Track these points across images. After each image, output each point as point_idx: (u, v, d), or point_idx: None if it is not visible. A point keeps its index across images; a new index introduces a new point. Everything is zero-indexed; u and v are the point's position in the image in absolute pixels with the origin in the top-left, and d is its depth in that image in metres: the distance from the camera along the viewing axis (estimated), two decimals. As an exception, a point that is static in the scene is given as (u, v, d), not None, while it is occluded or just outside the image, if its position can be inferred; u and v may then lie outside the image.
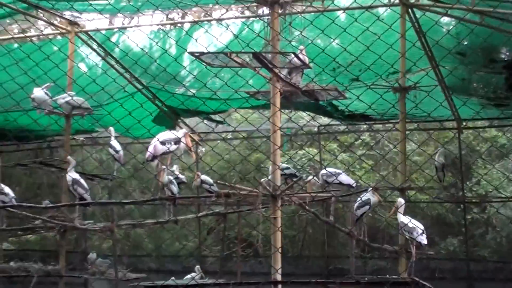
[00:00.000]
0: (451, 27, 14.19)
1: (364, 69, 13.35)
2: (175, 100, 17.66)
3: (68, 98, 14.64)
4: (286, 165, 14.62)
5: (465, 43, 14.29)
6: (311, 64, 12.65)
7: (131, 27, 16.65)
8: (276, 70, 10.60)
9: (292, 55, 10.87)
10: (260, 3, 11.10)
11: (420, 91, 13.93)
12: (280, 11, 11.03)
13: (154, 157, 12.17)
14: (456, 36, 13.96)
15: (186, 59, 15.93)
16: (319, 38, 14.13)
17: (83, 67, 17.31)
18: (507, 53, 14.50)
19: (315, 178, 13.56)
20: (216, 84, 15.50)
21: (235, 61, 10.44)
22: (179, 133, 12.41)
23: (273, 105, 10.68)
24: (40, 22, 17.39)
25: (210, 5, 15.40)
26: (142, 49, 14.84)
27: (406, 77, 14.17)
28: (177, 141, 12.04)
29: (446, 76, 14.82)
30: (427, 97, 13.92)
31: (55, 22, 16.12)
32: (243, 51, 10.80)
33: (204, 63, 10.98)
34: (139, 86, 17.65)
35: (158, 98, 18.22)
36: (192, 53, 11.68)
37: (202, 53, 10.82)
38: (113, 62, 17.04)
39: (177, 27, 16.54)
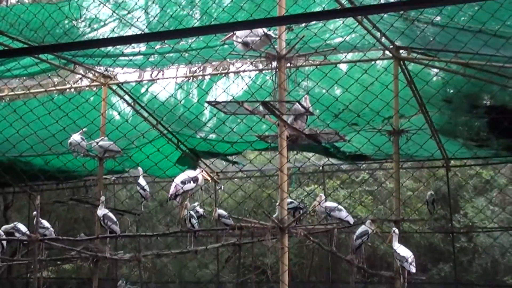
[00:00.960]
0: (439, 77, 14.28)
1: (361, 115, 13.41)
2: (195, 142, 17.75)
3: (101, 142, 14.75)
4: (290, 200, 14.60)
5: (451, 91, 14.36)
6: (316, 110, 12.70)
7: (158, 79, 16.78)
8: (283, 117, 10.64)
9: (297, 103, 10.90)
10: (268, 58, 11.12)
11: (412, 134, 13.96)
12: (287, 64, 11.08)
13: (175, 196, 12.21)
14: (442, 85, 14.04)
15: (207, 107, 16.05)
16: (323, 87, 14.22)
17: (115, 113, 17.47)
18: (488, 100, 14.54)
19: (321, 197, 13.64)
20: (233, 128, 15.56)
21: (246, 109, 10.49)
22: (196, 171, 12.46)
23: (280, 147, 10.70)
24: (76, 76, 17.59)
25: (228, 60, 15.52)
26: (163, 103, 14.98)
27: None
28: (195, 180, 12.09)
29: (432, 116, 14.86)
30: (418, 139, 14.01)
31: (90, 75, 16.29)
32: (253, 100, 10.86)
33: (220, 111, 11.06)
34: (165, 131, 17.74)
35: (181, 141, 18.29)
36: (209, 102, 11.78)
37: (218, 102, 10.88)
38: (142, 111, 17.14)
39: (198, 78, 16.68)
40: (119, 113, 17.20)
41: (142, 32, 13.18)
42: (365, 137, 13.75)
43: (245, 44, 10.47)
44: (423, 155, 16.30)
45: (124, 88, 16.69)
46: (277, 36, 10.44)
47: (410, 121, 13.97)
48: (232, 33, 10.40)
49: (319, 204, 13.56)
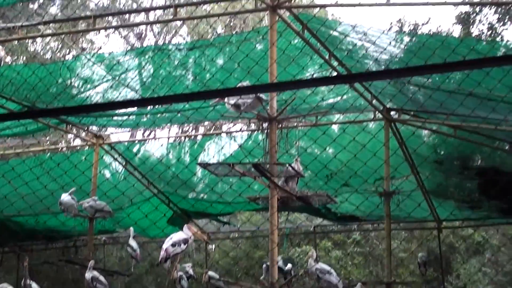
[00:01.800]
0: (430, 138, 14.36)
1: (353, 177, 13.46)
2: (186, 203, 17.66)
3: (92, 203, 14.68)
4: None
5: (442, 152, 14.42)
6: (307, 171, 12.71)
7: (150, 139, 16.80)
8: (274, 179, 10.65)
9: (288, 165, 10.93)
10: (260, 119, 11.18)
11: (403, 196, 13.97)
12: (278, 126, 11.15)
13: (166, 259, 12.12)
14: (433, 146, 14.12)
15: (199, 168, 16.03)
16: (315, 148, 14.28)
17: (107, 173, 17.40)
18: (479, 161, 14.60)
19: (313, 255, 13.53)
20: (225, 189, 15.55)
21: (237, 171, 10.51)
22: (184, 230, 12.30)
23: (270, 209, 10.66)
24: (69, 135, 17.62)
25: (220, 121, 15.59)
26: (152, 169, 14.95)
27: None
28: (185, 242, 11.98)
29: (425, 179, 14.86)
30: (409, 200, 14.01)
31: (83, 134, 16.32)
32: (244, 162, 10.90)
33: (211, 173, 11.09)
34: (156, 191, 17.64)
35: (172, 202, 18.17)
36: (200, 165, 11.81)
37: (208, 164, 10.93)
38: (134, 171, 17.09)
39: (191, 138, 16.73)
40: (112, 174, 17.15)
41: (135, 92, 13.25)
42: (354, 203, 13.74)
43: (236, 106, 10.55)
44: (415, 217, 16.26)
45: (117, 149, 16.66)
46: (268, 98, 10.52)
47: (402, 183, 14.03)
48: (223, 96, 10.48)
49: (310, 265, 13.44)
